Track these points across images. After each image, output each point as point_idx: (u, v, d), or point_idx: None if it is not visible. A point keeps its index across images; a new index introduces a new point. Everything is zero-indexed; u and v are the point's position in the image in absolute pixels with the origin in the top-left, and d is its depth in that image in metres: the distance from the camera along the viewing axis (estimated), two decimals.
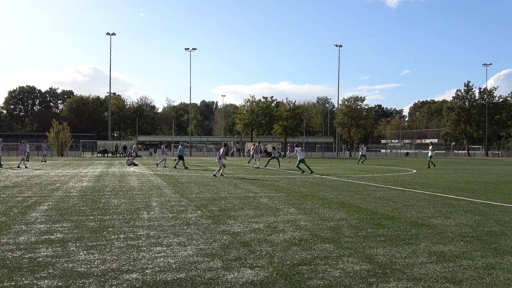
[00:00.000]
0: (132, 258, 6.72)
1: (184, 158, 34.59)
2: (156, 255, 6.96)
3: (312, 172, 27.21)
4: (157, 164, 35.88)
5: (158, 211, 11.47)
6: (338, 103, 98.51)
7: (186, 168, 31.72)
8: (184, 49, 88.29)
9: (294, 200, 13.87)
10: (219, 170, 24.44)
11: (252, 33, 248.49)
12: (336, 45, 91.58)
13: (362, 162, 45.49)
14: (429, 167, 36.29)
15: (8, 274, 5.90)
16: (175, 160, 34.66)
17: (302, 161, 27.55)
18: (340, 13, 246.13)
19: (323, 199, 14.31)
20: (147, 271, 6.11)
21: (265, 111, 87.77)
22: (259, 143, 34.23)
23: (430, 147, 42.10)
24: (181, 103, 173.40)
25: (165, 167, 32.95)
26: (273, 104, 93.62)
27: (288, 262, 6.61)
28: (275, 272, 6.10)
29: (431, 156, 38.73)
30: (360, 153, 48.06)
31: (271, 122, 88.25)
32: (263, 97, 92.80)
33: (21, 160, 33.49)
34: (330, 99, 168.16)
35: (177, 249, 7.36)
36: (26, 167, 31.85)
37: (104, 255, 6.90)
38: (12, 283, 5.52)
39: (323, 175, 26.07)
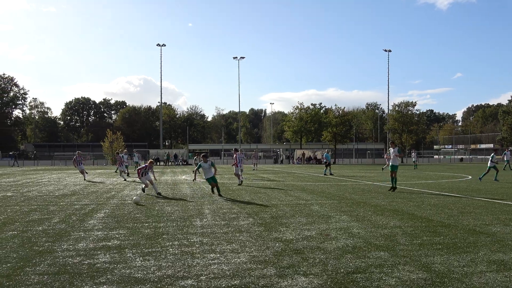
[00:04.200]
0: (187, 265, 6.82)
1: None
2: (210, 261, 7.02)
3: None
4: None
5: (211, 218, 11.59)
6: (388, 108, 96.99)
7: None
8: (232, 57, 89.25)
9: (346, 207, 13.71)
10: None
11: (299, 40, 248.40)
12: (385, 50, 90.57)
13: (414, 168, 45.09)
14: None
15: (70, 279, 6.09)
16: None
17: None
18: (389, 17, 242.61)
19: (376, 206, 14.08)
20: (201, 277, 6.17)
21: (314, 118, 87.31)
22: (240, 151, 27.86)
23: (507, 151, 39.99)
24: (230, 111, 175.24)
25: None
26: (321, 110, 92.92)
27: (342, 270, 6.53)
28: (329, 280, 6.04)
29: (508, 161, 39.74)
30: (413, 159, 48.18)
31: (320, 129, 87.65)
32: (312, 104, 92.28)
33: (122, 172, 30.15)
34: (380, 104, 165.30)
35: (230, 256, 7.41)
36: (125, 179, 28.01)
37: (160, 261, 7.03)
38: (73, 287, 5.70)
39: (375, 182, 25.66)
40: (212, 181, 17.56)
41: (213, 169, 17.50)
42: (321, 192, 19.04)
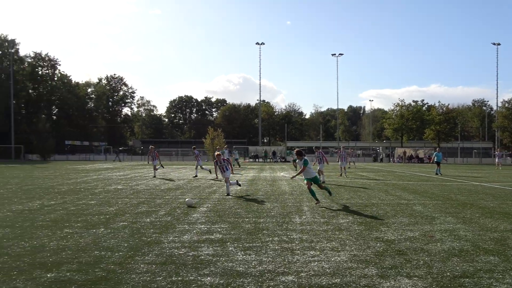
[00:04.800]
0: (287, 261, 6.86)
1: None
2: (310, 259, 7.02)
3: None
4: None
5: (310, 215, 11.57)
6: (497, 105, 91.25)
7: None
8: (330, 54, 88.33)
9: (451, 209, 13.10)
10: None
11: (399, 35, 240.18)
12: (494, 44, 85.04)
13: None
14: None
15: (175, 270, 6.36)
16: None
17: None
18: (496, 8, 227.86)
19: (484, 208, 13.32)
20: (302, 274, 6.18)
21: (415, 115, 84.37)
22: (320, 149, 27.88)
23: None
24: (328, 108, 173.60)
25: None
26: (424, 107, 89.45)
27: (448, 274, 6.25)
28: (434, 283, 5.81)
29: None
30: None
31: (422, 127, 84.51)
32: (413, 101, 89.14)
33: (199, 167, 29.66)
34: (488, 101, 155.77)
35: (330, 254, 7.35)
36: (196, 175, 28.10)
37: (261, 256, 7.13)
38: (179, 278, 5.94)
39: (482, 182, 24.29)
40: (312, 181, 14.20)
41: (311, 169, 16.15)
42: (424, 192, 18.33)
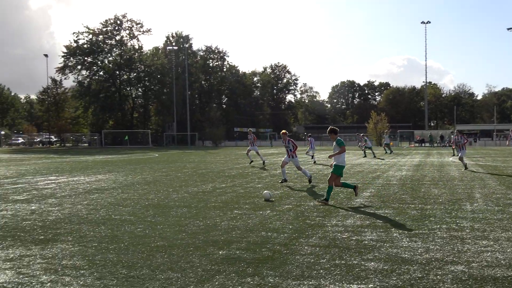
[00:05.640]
0: (456, 250, 6.49)
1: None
2: (482, 249, 6.55)
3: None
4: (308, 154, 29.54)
5: (482, 203, 10.79)
6: None
7: None
8: (506, 29, 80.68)
9: None
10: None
11: None
12: None
13: None
14: None
15: (339, 253, 6.39)
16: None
17: None
18: None
19: None
20: (473, 264, 5.81)
21: None
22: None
23: None
24: (504, 88, 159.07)
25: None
26: None
27: None
28: None
29: None
30: None
31: None
32: None
33: (307, 153, 29.42)
34: None
35: (506, 244, 6.79)
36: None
37: (427, 244, 6.84)
38: (343, 262, 5.95)
39: None
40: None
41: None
42: None
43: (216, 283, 5.16)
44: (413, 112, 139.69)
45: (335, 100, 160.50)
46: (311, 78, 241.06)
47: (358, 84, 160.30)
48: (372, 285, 5.06)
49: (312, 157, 27.70)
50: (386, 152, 37.75)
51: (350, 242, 7.02)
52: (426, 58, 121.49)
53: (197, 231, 7.82)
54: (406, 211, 9.69)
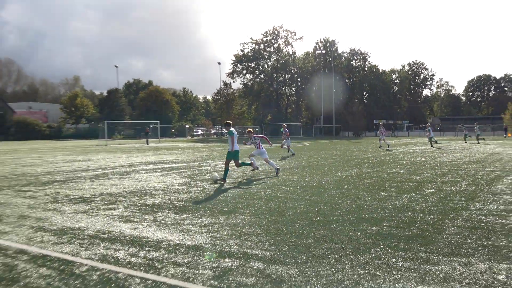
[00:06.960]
0: None
1: None
2: None
3: None
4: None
5: None
6: None
7: None
8: None
9: None
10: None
11: None
12: None
13: None
14: None
15: (485, 234, 5.97)
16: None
17: None
18: None
19: None
20: None
21: None
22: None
23: None
24: None
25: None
26: None
27: None
28: None
29: None
30: None
31: None
32: None
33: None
34: None
35: None
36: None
37: None
38: (489, 243, 5.55)
39: None
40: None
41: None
42: None
43: (373, 254, 5.16)
44: None
45: (470, 93, 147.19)
46: (447, 73, 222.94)
47: (495, 78, 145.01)
48: None
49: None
50: (479, 142, 34.34)
51: (495, 225, 6.49)
52: None
53: (350, 209, 7.82)
54: None
